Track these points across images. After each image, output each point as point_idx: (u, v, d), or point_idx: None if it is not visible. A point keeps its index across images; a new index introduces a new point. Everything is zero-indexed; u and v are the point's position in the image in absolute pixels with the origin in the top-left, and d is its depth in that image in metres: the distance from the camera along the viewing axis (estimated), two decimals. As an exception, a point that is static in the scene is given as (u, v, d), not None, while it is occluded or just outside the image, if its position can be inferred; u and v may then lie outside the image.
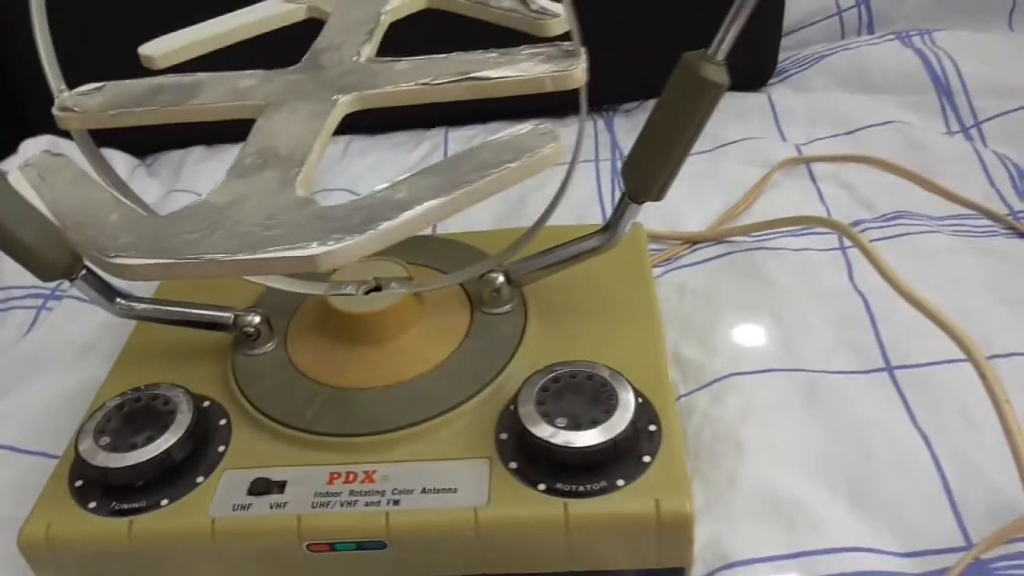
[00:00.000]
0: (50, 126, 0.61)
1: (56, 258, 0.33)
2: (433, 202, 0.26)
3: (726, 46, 0.31)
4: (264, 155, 0.30)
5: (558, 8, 0.35)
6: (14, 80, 0.63)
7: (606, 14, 0.61)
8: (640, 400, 0.34)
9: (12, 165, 0.58)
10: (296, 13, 0.39)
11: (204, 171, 0.61)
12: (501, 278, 0.39)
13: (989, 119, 0.60)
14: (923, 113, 0.62)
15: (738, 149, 0.59)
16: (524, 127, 0.30)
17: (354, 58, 0.35)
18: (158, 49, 0.37)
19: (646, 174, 0.34)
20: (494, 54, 0.33)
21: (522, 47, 0.34)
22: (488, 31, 0.37)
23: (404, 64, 0.34)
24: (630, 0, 0.62)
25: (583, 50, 0.33)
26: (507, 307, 0.40)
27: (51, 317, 0.48)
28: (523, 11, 0.36)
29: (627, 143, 0.62)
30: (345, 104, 0.32)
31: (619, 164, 0.59)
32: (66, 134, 0.61)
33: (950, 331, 0.38)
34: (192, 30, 0.38)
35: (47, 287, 0.50)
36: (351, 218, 0.26)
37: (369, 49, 0.35)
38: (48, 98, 0.63)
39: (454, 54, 0.34)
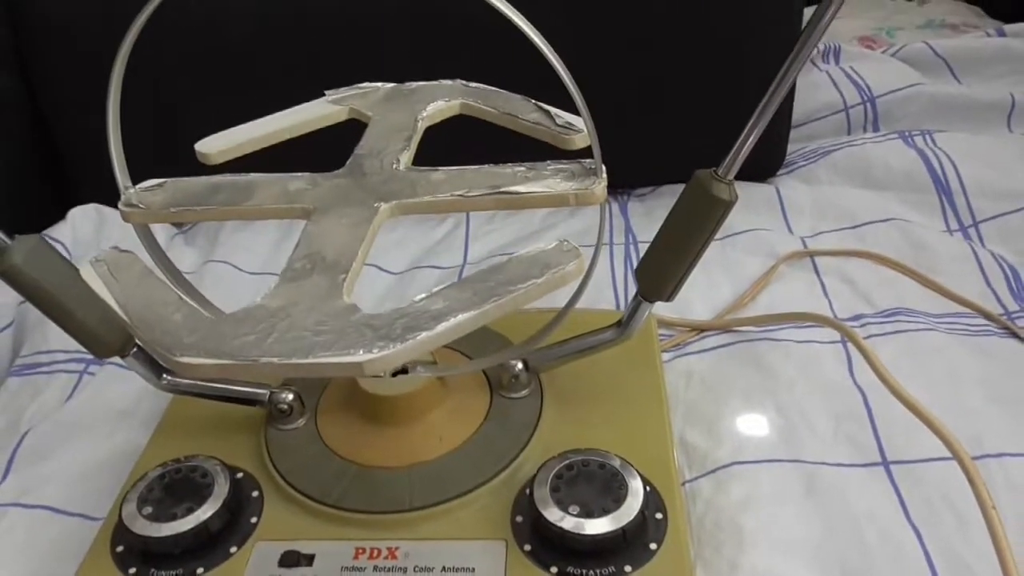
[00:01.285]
0: (96, 196, 0.66)
1: (113, 339, 0.36)
2: (467, 315, 0.29)
3: (736, 167, 0.34)
4: (313, 260, 0.33)
5: (581, 124, 0.38)
6: (63, 151, 0.67)
7: (621, 103, 0.65)
8: (648, 488, 0.36)
9: (61, 232, 0.62)
10: (339, 114, 0.43)
11: (239, 241, 0.64)
12: (520, 365, 0.42)
13: (987, 220, 0.63)
14: (923, 211, 0.65)
15: (746, 239, 0.62)
16: (551, 244, 0.33)
17: (394, 165, 0.38)
18: (213, 147, 0.40)
19: (658, 278, 0.37)
20: (522, 168, 0.36)
21: (548, 162, 0.37)
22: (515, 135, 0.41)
23: (440, 175, 0.37)
24: (645, 92, 0.66)
25: (603, 168, 0.36)
26: (525, 392, 0.42)
27: (93, 382, 0.51)
28: (549, 125, 0.39)
29: (640, 227, 0.65)
30: (386, 212, 0.35)
31: (631, 248, 0.62)
32: (110, 202, 0.65)
33: (940, 433, 0.40)
34: (243, 129, 0.41)
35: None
36: (393, 327, 0.29)
37: (407, 156, 0.38)
38: (95, 170, 0.67)
39: (485, 166, 0.37)
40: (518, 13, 0.30)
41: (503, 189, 0.35)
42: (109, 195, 0.65)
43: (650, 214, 0.67)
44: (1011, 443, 0.44)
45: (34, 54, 0.63)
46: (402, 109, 0.42)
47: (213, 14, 0.61)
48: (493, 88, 0.42)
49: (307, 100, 0.44)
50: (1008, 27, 0.85)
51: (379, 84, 0.44)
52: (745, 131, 0.33)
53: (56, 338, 0.53)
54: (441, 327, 0.29)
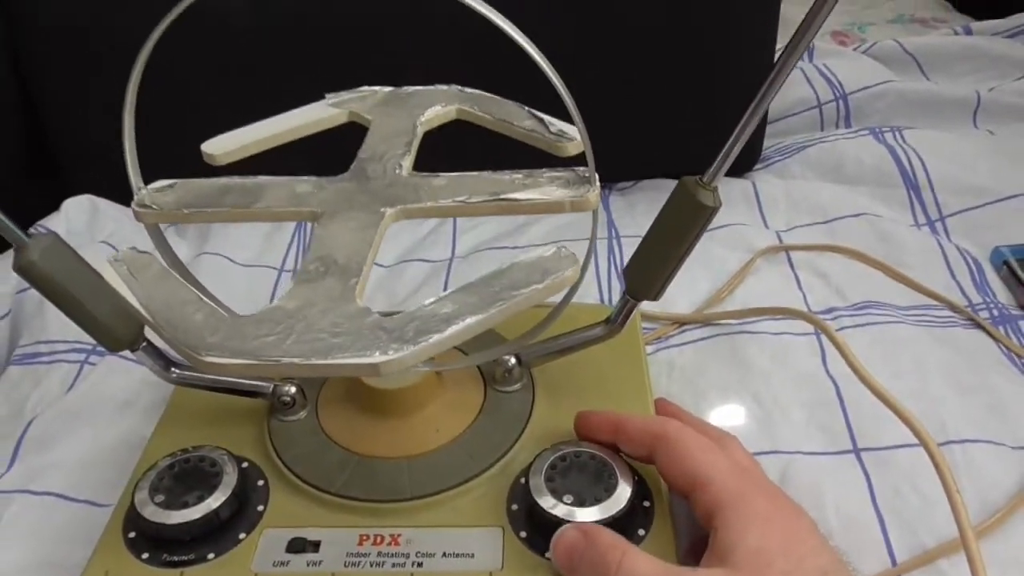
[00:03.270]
0: (87, 186, 0.67)
1: (124, 334, 0.38)
2: (475, 318, 0.31)
3: (720, 175, 0.35)
4: (325, 263, 0.34)
5: (574, 132, 0.40)
6: (55, 142, 0.67)
7: (605, 103, 0.67)
8: (636, 478, 0.38)
9: (55, 223, 0.62)
10: (339, 117, 0.44)
11: (230, 234, 0.65)
12: (513, 360, 0.44)
13: (952, 214, 0.66)
14: (893, 206, 0.67)
15: (724, 234, 0.64)
16: (549, 249, 0.34)
17: (396, 170, 0.39)
18: (219, 148, 0.41)
19: (645, 278, 0.39)
20: (519, 175, 0.38)
21: (543, 170, 0.39)
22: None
23: (441, 180, 0.39)
24: (627, 92, 0.68)
25: (596, 176, 0.37)
26: (517, 385, 0.44)
27: (94, 373, 0.52)
28: (543, 132, 0.41)
29: (622, 221, 0.67)
30: (391, 216, 0.37)
31: (614, 242, 0.65)
32: (102, 193, 0.66)
33: (907, 421, 0.43)
34: (247, 131, 0.42)
35: (88, 343, 0.54)
36: (406, 330, 0.30)
37: (408, 161, 0.40)
38: (87, 162, 0.68)
39: (484, 173, 0.39)
40: (518, 29, 0.32)
41: (502, 196, 0.37)
42: (100, 187, 0.67)
43: (631, 208, 0.69)
44: (974, 430, 0.47)
45: (26, 47, 0.64)
46: (401, 114, 0.43)
47: (218, 19, 0.62)
48: (488, 94, 0.44)
49: (306, 102, 0.45)
50: (975, 25, 0.88)
51: (376, 88, 0.45)
52: (729, 142, 0.34)
53: (56, 328, 0.54)
54: (451, 330, 0.30)
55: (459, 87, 0.45)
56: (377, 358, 0.29)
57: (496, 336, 0.46)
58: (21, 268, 0.34)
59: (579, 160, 0.39)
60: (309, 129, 0.43)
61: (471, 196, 0.37)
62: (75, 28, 0.63)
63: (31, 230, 0.61)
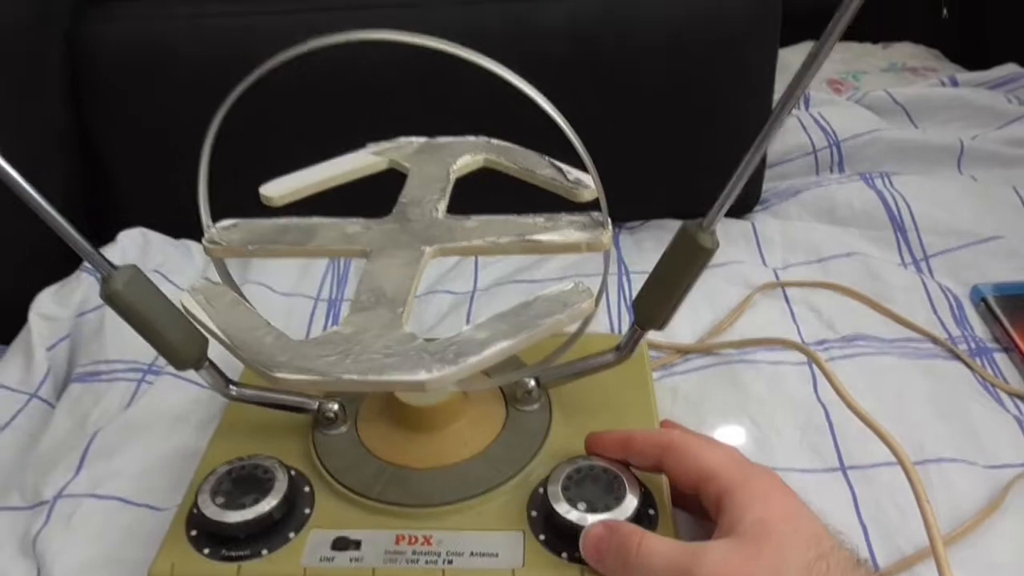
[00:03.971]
0: (141, 220, 0.72)
1: (191, 355, 0.43)
2: (507, 343, 0.36)
3: (718, 219, 0.39)
4: (375, 294, 0.39)
5: (588, 180, 0.45)
6: (112, 179, 0.73)
7: (615, 149, 0.72)
8: (643, 490, 0.43)
9: (111, 253, 0.68)
10: (380, 164, 0.49)
11: (271, 264, 0.70)
12: (532, 382, 0.49)
13: (936, 255, 0.71)
14: (881, 246, 0.72)
15: (725, 271, 0.69)
16: (568, 284, 0.40)
17: (433, 213, 0.45)
18: (276, 191, 0.46)
19: (652, 311, 0.43)
20: (541, 219, 0.44)
21: (562, 214, 0.44)
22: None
23: (472, 222, 0.44)
24: (635, 139, 0.73)
25: (609, 221, 0.43)
26: (536, 406, 0.49)
27: (151, 390, 0.57)
28: (562, 180, 0.46)
29: (631, 257, 0.72)
30: (430, 254, 0.42)
31: (623, 277, 0.70)
32: (153, 225, 0.71)
33: (887, 442, 0.48)
34: (300, 176, 0.47)
35: (144, 362, 0.59)
36: (447, 352, 0.35)
37: (443, 205, 0.45)
38: (140, 197, 0.73)
39: (510, 216, 0.44)
40: (539, 92, 0.37)
41: (528, 237, 0.42)
42: (152, 220, 0.72)
43: (639, 245, 0.75)
44: (948, 450, 0.52)
45: (88, 89, 0.69)
46: (435, 162, 0.49)
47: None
48: (513, 145, 0.49)
49: (348, 150, 0.50)
50: (960, 76, 0.94)
51: (413, 138, 0.51)
52: (726, 189, 0.38)
53: (114, 349, 0.59)
54: (487, 352, 0.35)
55: (487, 138, 0.50)
56: (423, 376, 0.34)
57: (518, 361, 0.51)
58: (107, 296, 0.39)
59: (594, 205, 0.44)
60: (354, 175, 0.49)
61: (500, 237, 0.43)
62: (134, 67, 0.69)
63: (86, 262, 0.67)
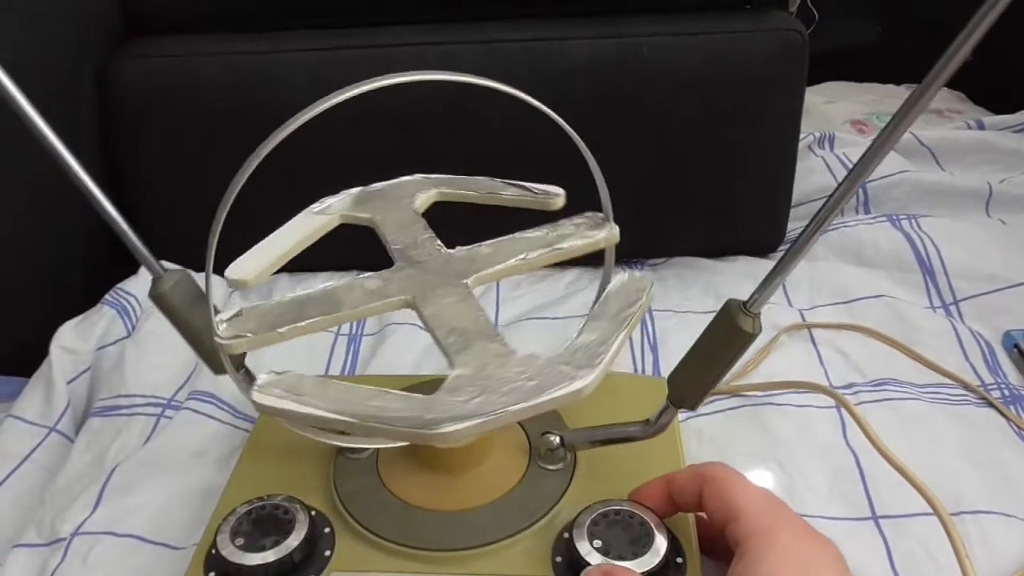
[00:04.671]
0: (164, 253, 0.72)
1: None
2: (619, 336, 0.37)
3: (763, 302, 0.38)
4: (460, 334, 0.39)
5: (556, 189, 0.46)
6: (135, 215, 0.74)
7: (639, 190, 0.72)
8: (671, 536, 0.42)
9: (133, 285, 0.68)
10: (333, 222, 0.47)
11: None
12: (557, 440, 0.47)
13: (966, 299, 0.70)
14: (909, 289, 0.71)
15: (750, 311, 0.68)
16: (624, 276, 0.42)
17: (440, 250, 0.44)
18: (244, 273, 0.43)
19: (685, 391, 0.42)
20: (545, 230, 0.45)
21: (561, 221, 0.45)
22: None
23: (486, 248, 0.44)
24: (659, 180, 0.73)
25: (611, 211, 0.44)
26: (560, 465, 0.47)
27: (170, 425, 0.57)
28: (529, 195, 0.46)
29: (654, 295, 0.71)
30: (474, 283, 0.42)
31: (647, 315, 0.69)
32: (176, 259, 0.71)
33: (923, 492, 0.46)
34: (261, 252, 0.45)
35: (164, 397, 0.59)
36: (577, 359, 0.36)
37: (439, 242, 0.45)
38: (162, 232, 0.74)
39: (515, 235, 0.45)
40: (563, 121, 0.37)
41: (554, 248, 0.43)
42: (175, 253, 0.72)
43: (663, 283, 0.74)
44: (985, 502, 0.50)
45: (117, 123, 0.70)
46: (393, 207, 0.47)
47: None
48: (453, 176, 0.49)
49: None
50: (987, 119, 0.93)
51: (344, 192, 0.49)
52: (775, 268, 0.37)
53: (133, 383, 0.59)
54: (613, 348, 0.37)
55: (423, 175, 0.50)
56: (578, 384, 0.35)
57: (557, 418, 0.50)
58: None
59: (562, 213, 0.46)
60: (313, 238, 0.46)
61: (527, 254, 0.43)
62: (161, 115, 0.70)
63: (108, 296, 0.67)
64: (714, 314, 0.43)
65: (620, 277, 0.42)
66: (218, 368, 0.42)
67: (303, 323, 0.40)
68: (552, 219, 0.46)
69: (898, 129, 0.30)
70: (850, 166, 0.83)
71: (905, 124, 0.30)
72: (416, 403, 0.36)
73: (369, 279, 0.44)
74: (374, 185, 0.50)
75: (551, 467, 0.47)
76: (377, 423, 0.35)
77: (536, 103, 0.37)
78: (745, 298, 0.37)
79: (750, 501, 0.39)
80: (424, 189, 0.49)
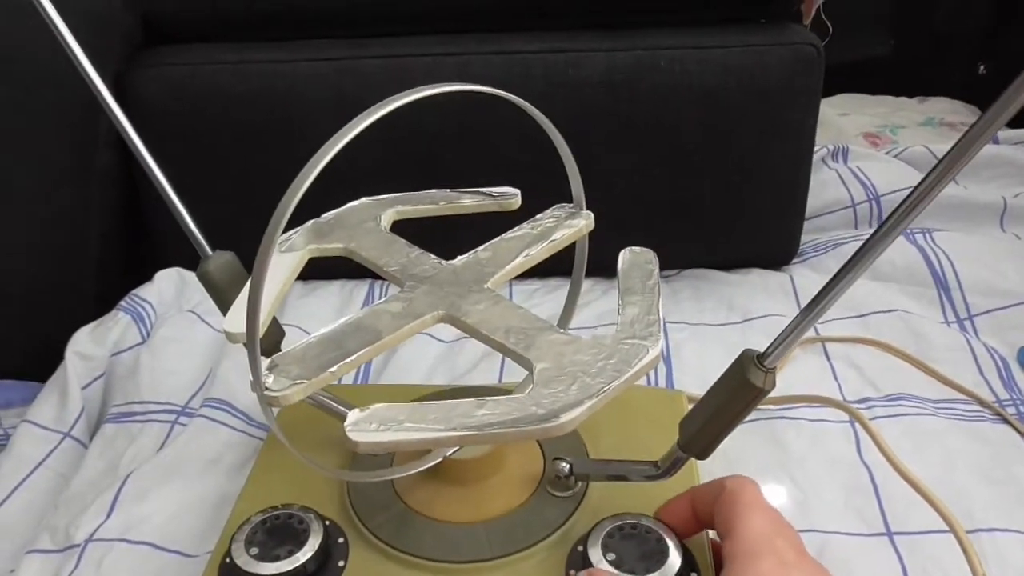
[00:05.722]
0: (177, 262, 0.73)
1: (268, 341, 0.44)
2: (659, 306, 0.40)
3: (780, 357, 0.37)
4: (517, 332, 0.39)
5: (512, 190, 0.48)
6: (151, 220, 0.74)
7: (653, 202, 0.72)
8: (686, 551, 0.42)
9: (148, 292, 0.68)
10: (303, 256, 0.46)
11: (305, 307, 0.70)
12: (567, 467, 0.46)
13: (980, 314, 0.69)
14: (923, 303, 0.71)
15: (763, 324, 0.68)
16: (626, 252, 0.44)
17: (439, 263, 0.44)
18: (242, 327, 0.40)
19: (697, 439, 0.41)
20: (526, 228, 0.46)
21: (539, 216, 0.46)
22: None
23: (486, 252, 0.45)
24: (673, 192, 0.73)
25: (583, 199, 0.46)
26: (568, 493, 0.46)
27: (184, 432, 0.57)
28: (488, 198, 0.48)
29: (667, 307, 0.72)
30: (496, 284, 0.43)
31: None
32: (190, 265, 0.72)
33: (938, 509, 0.46)
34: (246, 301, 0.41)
35: (178, 404, 0.59)
36: (636, 330, 0.39)
37: (433, 255, 0.45)
38: (177, 238, 0.74)
39: (503, 236, 0.45)
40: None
41: (550, 241, 0.45)
42: (189, 260, 0.73)
43: (676, 295, 0.74)
44: (1001, 520, 0.50)
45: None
46: (360, 233, 0.47)
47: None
48: (401, 193, 0.49)
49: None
50: (1001, 134, 0.93)
51: (297, 228, 0.48)
52: (793, 323, 0.36)
53: (148, 390, 0.59)
54: (660, 316, 0.40)
55: (368, 197, 0.50)
56: (654, 352, 0.38)
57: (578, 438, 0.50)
58: (200, 274, 0.43)
59: (523, 213, 0.47)
60: (290, 280, 0.45)
61: (527, 250, 0.44)
62: (178, 122, 0.70)
63: (123, 302, 0.67)
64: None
65: (624, 253, 0.44)
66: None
67: (351, 358, 0.38)
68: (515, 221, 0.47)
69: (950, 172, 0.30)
70: (865, 180, 0.83)
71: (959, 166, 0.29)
72: (521, 403, 0.36)
73: (390, 303, 0.42)
74: (324, 216, 0.49)
75: (561, 494, 0.46)
76: (499, 429, 0.35)
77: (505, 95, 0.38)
78: (758, 347, 0.37)
79: (748, 521, 0.38)
80: (381, 209, 0.48)
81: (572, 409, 0.35)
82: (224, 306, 0.43)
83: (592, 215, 0.46)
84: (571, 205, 0.46)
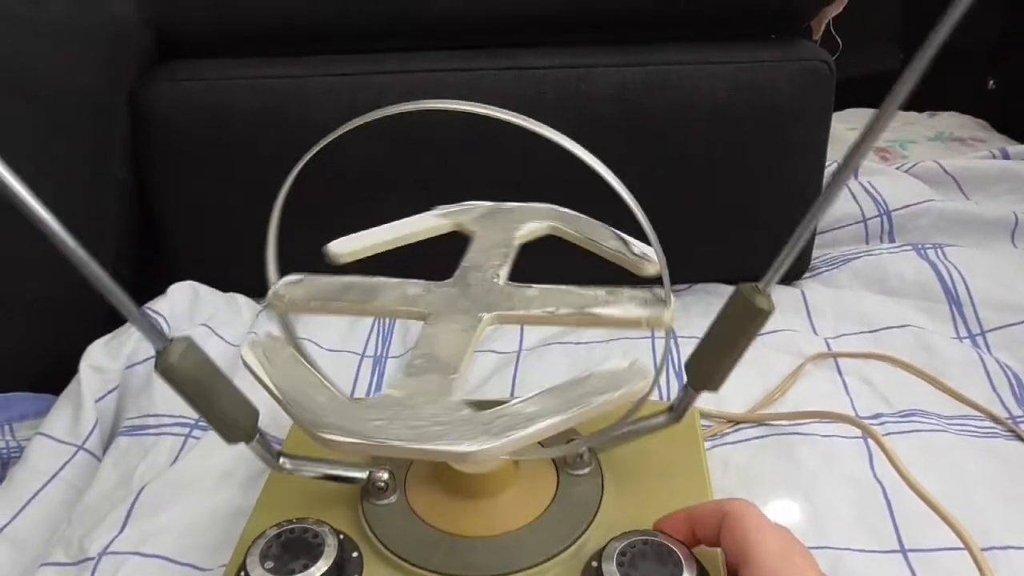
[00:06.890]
0: (190, 275, 0.73)
1: (243, 428, 0.41)
2: (555, 419, 0.35)
3: (774, 281, 0.38)
4: (429, 359, 0.39)
5: (653, 255, 0.45)
6: (164, 234, 0.75)
7: (664, 216, 0.72)
8: (700, 568, 0.42)
9: (161, 305, 0.69)
10: (445, 227, 0.49)
11: (319, 319, 0.71)
12: (584, 446, 0.47)
13: (993, 329, 0.69)
14: (935, 318, 0.71)
15: (776, 339, 0.68)
16: (624, 362, 0.39)
17: (494, 279, 0.45)
18: (342, 249, 0.46)
19: (705, 372, 0.41)
20: (603, 292, 0.43)
21: (623, 288, 0.44)
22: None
23: (533, 291, 0.44)
24: (684, 207, 0.73)
25: (673, 299, 0.42)
26: (587, 470, 0.48)
27: (198, 445, 0.57)
28: (627, 253, 0.46)
29: (678, 321, 0.71)
30: (487, 321, 0.42)
31: (671, 341, 0.69)
32: (203, 279, 0.72)
33: (953, 526, 0.46)
34: (365, 235, 0.47)
35: (192, 417, 0.59)
36: (494, 424, 0.35)
37: (505, 271, 0.45)
38: (190, 252, 0.75)
39: (572, 287, 0.44)
40: (603, 164, 0.37)
41: (587, 310, 0.42)
42: (201, 274, 0.73)
43: (687, 310, 0.74)
44: (1016, 537, 0.50)
45: (149, 146, 0.71)
46: (500, 227, 0.49)
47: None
48: (579, 214, 0.49)
49: (415, 212, 0.50)
50: (1011, 148, 0.93)
51: (480, 203, 0.51)
52: (784, 251, 0.36)
53: (161, 403, 0.60)
54: (533, 428, 0.35)
55: (553, 206, 0.50)
56: (466, 448, 0.34)
57: (572, 430, 0.50)
58: (162, 370, 0.37)
59: (657, 280, 0.43)
60: (418, 236, 0.48)
61: (559, 308, 0.42)
62: (192, 137, 0.71)
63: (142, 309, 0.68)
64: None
65: (619, 362, 0.39)
66: (233, 438, 0.40)
67: (333, 304, 0.43)
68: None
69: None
70: (876, 195, 0.83)
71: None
72: (334, 405, 0.36)
73: (414, 285, 0.45)
74: (507, 204, 0.51)
75: (579, 472, 0.47)
76: (289, 406, 0.37)
77: (585, 156, 0.37)
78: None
79: (763, 547, 0.38)
80: (543, 219, 0.49)
81: (338, 434, 0.35)
82: (193, 399, 0.37)
83: (672, 313, 0.42)
84: (660, 291, 0.43)
